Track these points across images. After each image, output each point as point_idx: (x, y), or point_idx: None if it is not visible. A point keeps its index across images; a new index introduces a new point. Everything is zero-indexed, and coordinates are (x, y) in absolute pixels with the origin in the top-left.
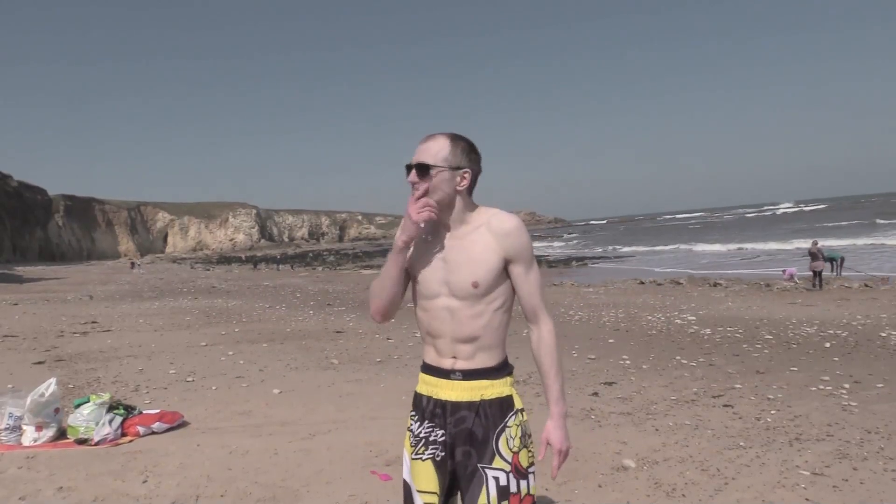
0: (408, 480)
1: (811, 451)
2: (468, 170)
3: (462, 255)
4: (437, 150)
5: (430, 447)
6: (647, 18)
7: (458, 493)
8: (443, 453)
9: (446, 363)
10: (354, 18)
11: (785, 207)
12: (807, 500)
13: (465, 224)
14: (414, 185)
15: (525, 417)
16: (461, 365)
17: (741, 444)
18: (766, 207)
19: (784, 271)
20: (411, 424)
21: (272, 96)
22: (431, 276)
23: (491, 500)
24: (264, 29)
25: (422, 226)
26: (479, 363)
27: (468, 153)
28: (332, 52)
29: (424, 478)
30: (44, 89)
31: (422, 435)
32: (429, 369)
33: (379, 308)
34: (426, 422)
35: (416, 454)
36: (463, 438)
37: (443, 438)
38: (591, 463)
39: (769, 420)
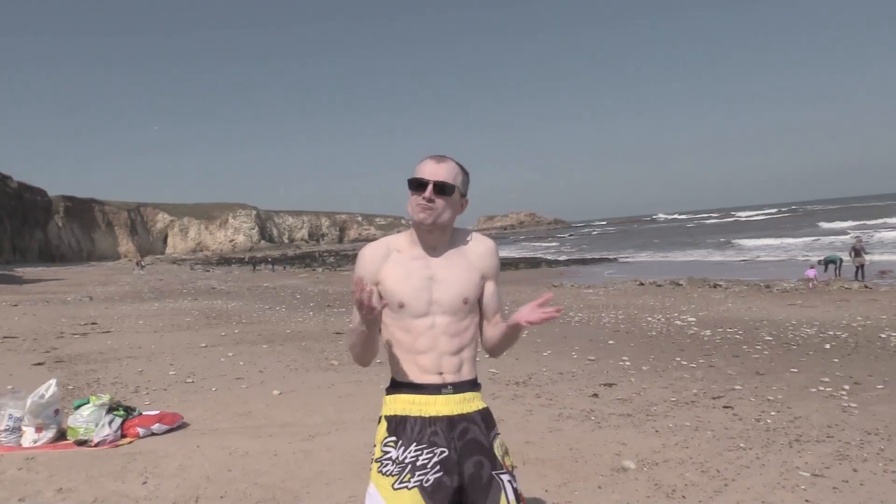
0: None
1: (811, 453)
2: (467, 199)
3: (451, 274)
4: (454, 174)
5: (419, 472)
6: (647, 19)
7: None
8: (437, 475)
9: (434, 379)
10: (355, 20)
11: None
12: (807, 501)
13: (450, 246)
14: (430, 202)
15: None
16: (451, 378)
17: (741, 445)
18: (764, 210)
19: (810, 276)
20: (388, 453)
21: (272, 97)
22: (420, 295)
23: (511, 503)
24: (264, 31)
25: None
26: (466, 375)
27: (467, 184)
28: (331, 53)
29: None
30: (44, 90)
31: (407, 460)
32: (412, 388)
33: (359, 362)
34: (414, 444)
35: (401, 483)
36: (472, 450)
37: (442, 457)
38: (591, 464)
39: (769, 421)
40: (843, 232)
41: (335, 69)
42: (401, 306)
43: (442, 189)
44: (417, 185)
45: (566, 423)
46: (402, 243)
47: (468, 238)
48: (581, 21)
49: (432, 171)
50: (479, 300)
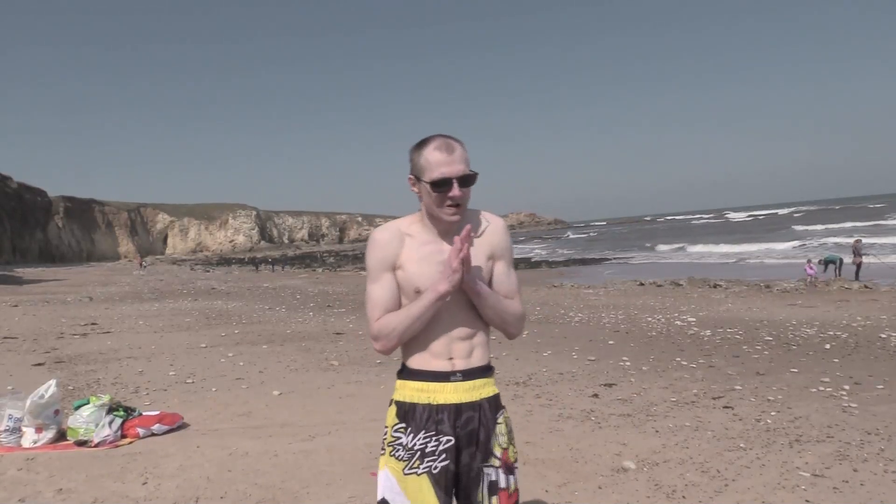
0: (392, 501)
1: (811, 453)
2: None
3: None
4: (467, 158)
5: (427, 459)
6: (648, 18)
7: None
8: (444, 462)
9: (444, 365)
10: (355, 21)
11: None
12: (807, 501)
13: (460, 228)
14: (457, 199)
15: (508, 415)
16: (460, 365)
17: (741, 445)
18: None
19: (809, 274)
20: (399, 438)
21: (272, 98)
22: (434, 279)
23: (483, 496)
24: (264, 31)
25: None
26: (476, 361)
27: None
28: (331, 53)
29: (421, 494)
30: (44, 91)
31: (416, 447)
32: (422, 375)
33: (395, 347)
34: (423, 432)
35: (411, 468)
36: (470, 440)
37: (448, 445)
38: (591, 464)
39: (769, 421)
40: (807, 235)
41: (335, 71)
42: (417, 292)
43: (465, 182)
44: (441, 184)
45: (566, 423)
46: (413, 228)
47: (478, 218)
48: (581, 24)
49: (450, 166)
50: (490, 282)
